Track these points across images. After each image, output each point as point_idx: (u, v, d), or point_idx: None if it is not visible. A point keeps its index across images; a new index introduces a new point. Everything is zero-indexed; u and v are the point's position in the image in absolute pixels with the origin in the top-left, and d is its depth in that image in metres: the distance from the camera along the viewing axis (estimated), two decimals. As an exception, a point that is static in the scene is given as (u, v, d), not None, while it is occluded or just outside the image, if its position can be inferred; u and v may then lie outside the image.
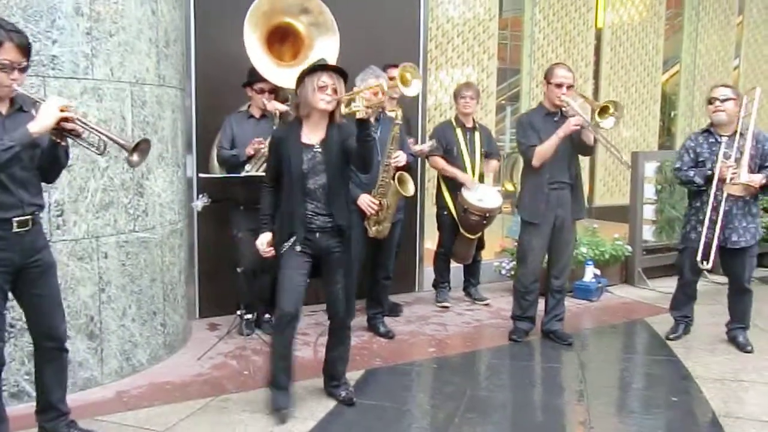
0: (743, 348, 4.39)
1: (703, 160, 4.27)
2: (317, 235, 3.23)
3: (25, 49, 2.59)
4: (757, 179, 4.08)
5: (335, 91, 3.16)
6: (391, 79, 4.75)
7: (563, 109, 4.22)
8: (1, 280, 2.67)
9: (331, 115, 3.23)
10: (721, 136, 4.24)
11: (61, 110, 2.55)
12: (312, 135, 3.24)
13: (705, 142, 4.32)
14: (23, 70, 2.61)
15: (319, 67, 3.20)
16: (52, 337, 2.86)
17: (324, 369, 3.56)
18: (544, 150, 4.21)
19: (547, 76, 4.34)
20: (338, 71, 3.20)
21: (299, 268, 3.23)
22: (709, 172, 4.18)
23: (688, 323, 4.64)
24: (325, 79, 3.14)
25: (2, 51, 2.52)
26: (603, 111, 4.14)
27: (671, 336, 4.57)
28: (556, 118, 4.28)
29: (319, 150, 3.21)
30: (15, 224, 2.64)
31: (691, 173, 4.27)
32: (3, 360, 2.78)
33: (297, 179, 3.17)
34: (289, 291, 3.22)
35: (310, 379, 3.65)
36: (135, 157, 2.69)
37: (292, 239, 3.20)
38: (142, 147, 2.70)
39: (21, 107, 2.69)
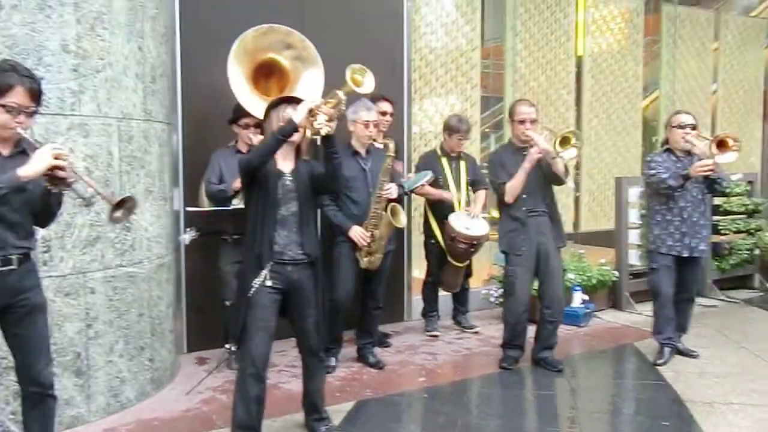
0: (690, 354, 4.69)
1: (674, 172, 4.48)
2: (288, 268, 3.22)
3: (36, 95, 2.62)
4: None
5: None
6: (383, 114, 4.81)
7: (531, 143, 4.33)
8: None
9: (298, 148, 3.28)
10: (680, 154, 4.55)
11: (55, 158, 2.54)
12: (283, 164, 3.25)
13: (668, 160, 4.55)
14: (31, 114, 2.63)
15: (285, 100, 3.25)
16: (37, 381, 2.77)
17: (303, 402, 3.50)
18: (513, 186, 4.35)
19: (511, 114, 4.48)
20: (299, 101, 3.23)
21: (270, 308, 3.19)
22: (684, 172, 4.37)
23: (674, 347, 4.66)
24: (290, 111, 3.19)
25: (13, 94, 2.55)
26: (564, 141, 4.24)
27: (659, 361, 4.56)
28: (525, 153, 4.38)
29: (291, 178, 3.24)
30: None
31: (665, 175, 4.44)
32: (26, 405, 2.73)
33: (271, 206, 3.18)
34: (262, 332, 3.16)
35: (300, 413, 3.61)
36: (118, 214, 2.68)
37: (263, 274, 3.17)
38: (127, 205, 2.69)
39: (24, 150, 2.69)
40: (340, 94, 3.23)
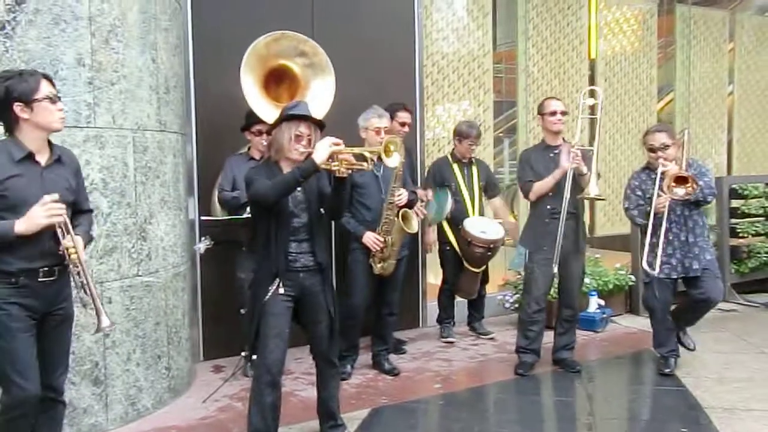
0: (687, 347, 4.57)
1: (650, 197, 4.25)
2: (300, 275, 3.23)
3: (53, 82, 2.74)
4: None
5: (310, 141, 3.19)
6: (402, 125, 4.83)
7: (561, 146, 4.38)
8: (28, 324, 2.69)
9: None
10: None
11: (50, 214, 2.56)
12: None
13: (648, 179, 4.35)
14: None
15: (298, 116, 3.23)
16: (52, 386, 2.82)
17: (318, 410, 3.50)
18: (539, 188, 4.39)
19: (541, 110, 4.50)
20: (316, 122, 3.25)
21: (284, 315, 3.20)
22: (648, 209, 4.21)
23: (677, 355, 4.57)
24: (302, 129, 3.19)
25: (44, 87, 2.63)
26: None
27: (666, 370, 4.45)
28: (556, 151, 4.40)
29: (300, 190, 3.23)
30: (41, 274, 2.67)
31: (635, 213, 4.36)
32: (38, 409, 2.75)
33: (284, 218, 3.19)
34: (276, 339, 3.17)
35: (316, 420, 3.61)
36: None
37: (276, 282, 3.18)
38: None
39: (60, 158, 2.74)
40: (366, 153, 3.24)
